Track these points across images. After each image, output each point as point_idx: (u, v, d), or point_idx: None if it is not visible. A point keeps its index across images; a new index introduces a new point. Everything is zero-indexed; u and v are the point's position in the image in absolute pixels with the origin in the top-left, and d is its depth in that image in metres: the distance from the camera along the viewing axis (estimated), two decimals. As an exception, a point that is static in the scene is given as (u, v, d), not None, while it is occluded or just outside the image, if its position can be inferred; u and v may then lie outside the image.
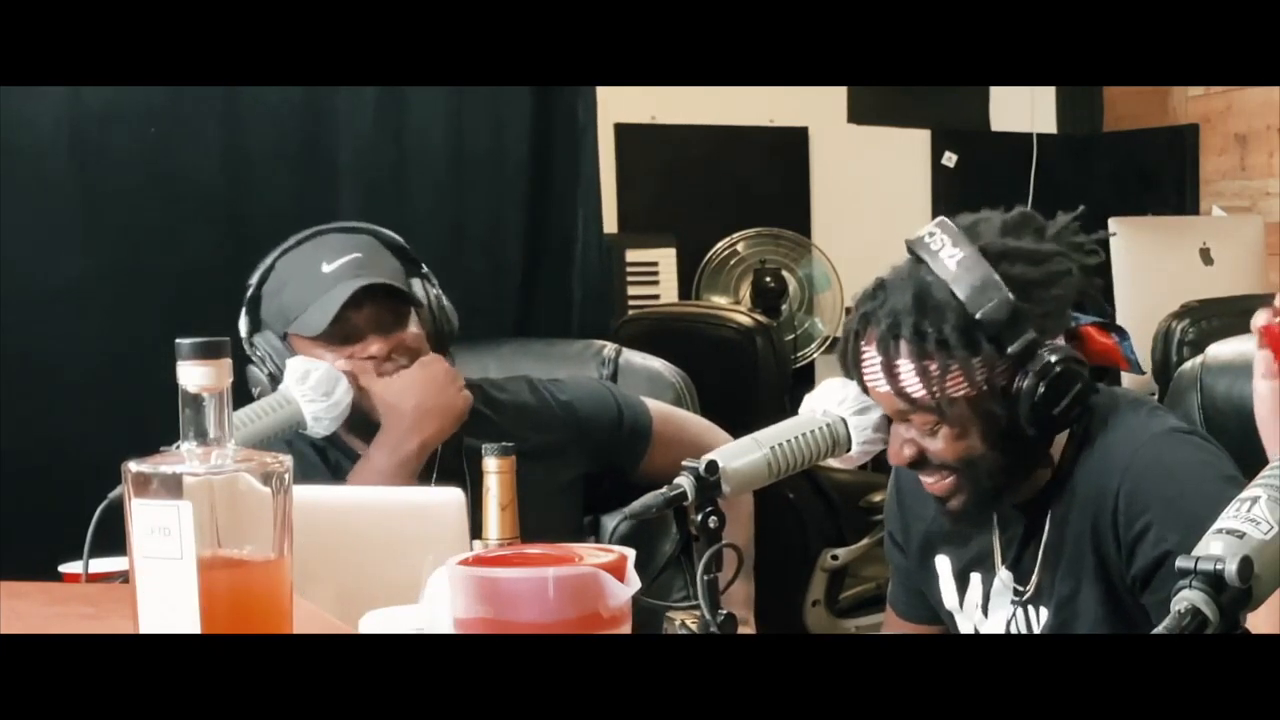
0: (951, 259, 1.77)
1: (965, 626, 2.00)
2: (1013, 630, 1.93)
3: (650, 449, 2.38)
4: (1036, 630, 1.89)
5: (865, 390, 1.84)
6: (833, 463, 1.76)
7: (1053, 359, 1.76)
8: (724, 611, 1.49)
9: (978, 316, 1.75)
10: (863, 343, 1.83)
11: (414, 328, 2.27)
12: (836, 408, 1.72)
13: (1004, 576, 1.93)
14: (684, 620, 1.49)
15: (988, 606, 1.96)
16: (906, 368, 1.77)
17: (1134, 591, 1.81)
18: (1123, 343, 1.87)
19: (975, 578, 1.97)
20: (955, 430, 1.80)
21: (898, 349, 1.78)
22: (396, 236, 2.36)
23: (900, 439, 1.84)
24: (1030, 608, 1.91)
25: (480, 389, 2.36)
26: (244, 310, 2.30)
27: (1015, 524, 1.92)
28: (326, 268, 2.23)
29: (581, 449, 2.36)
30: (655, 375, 2.66)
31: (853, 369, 1.84)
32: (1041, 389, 1.76)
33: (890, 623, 2.18)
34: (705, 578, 1.49)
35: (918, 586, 2.08)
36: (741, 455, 1.63)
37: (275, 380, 2.22)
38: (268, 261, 2.30)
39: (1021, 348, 1.76)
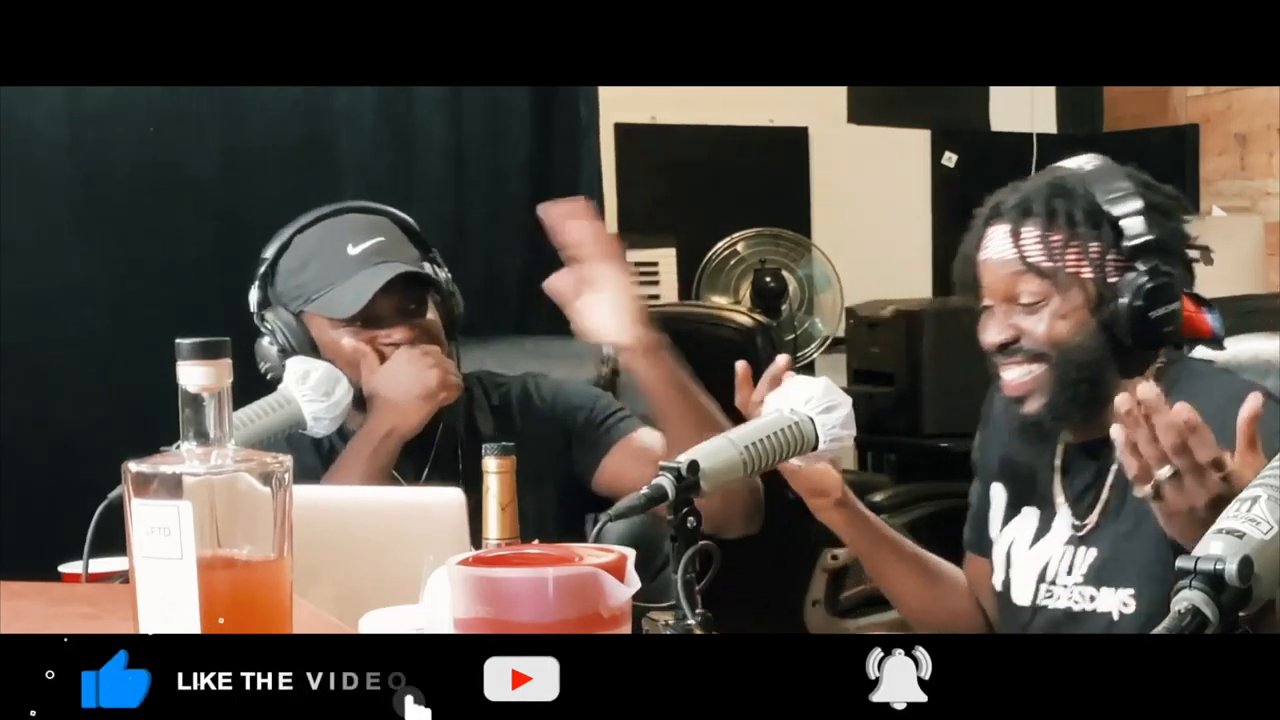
0: (1089, 162, 1.98)
1: (999, 557, 2.05)
2: (1050, 570, 1.97)
3: (613, 452, 2.31)
4: (1079, 571, 1.94)
5: (974, 284, 1.95)
6: (795, 462, 1.76)
7: (1160, 266, 1.89)
8: (701, 611, 1.50)
9: (1104, 205, 1.91)
10: (988, 228, 1.96)
11: (432, 314, 2.29)
12: (803, 407, 1.73)
13: (1064, 513, 1.98)
14: (665, 620, 1.49)
15: (1037, 541, 2.01)
16: (1031, 235, 1.91)
17: None
18: (1211, 314, 1.97)
19: (1029, 511, 2.03)
20: (1060, 308, 1.90)
21: (1026, 220, 1.92)
22: (410, 220, 2.36)
23: (999, 321, 1.94)
24: (1082, 547, 1.96)
25: (478, 380, 2.37)
26: (256, 283, 2.30)
27: (1080, 463, 1.98)
28: (352, 250, 2.25)
29: (561, 441, 2.34)
30: None
31: (971, 256, 1.96)
32: (1147, 288, 1.88)
33: (970, 569, 2.18)
34: (683, 578, 1.49)
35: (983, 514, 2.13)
36: (718, 454, 1.64)
37: (286, 354, 2.23)
38: (285, 235, 2.30)
39: (1138, 244, 1.89)
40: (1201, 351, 2.04)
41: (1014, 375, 1.94)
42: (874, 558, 2.10)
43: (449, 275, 2.34)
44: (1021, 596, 2.01)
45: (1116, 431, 1.63)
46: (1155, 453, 1.60)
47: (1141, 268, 1.89)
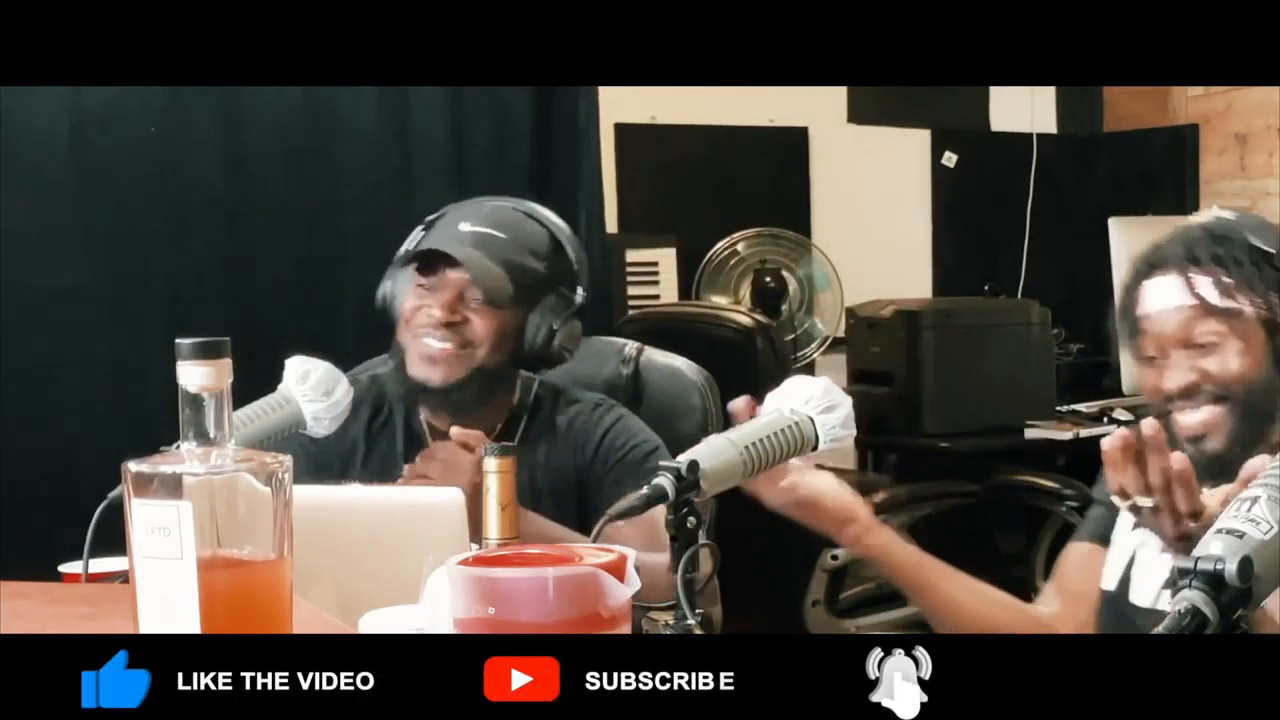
0: (1229, 214, 2.00)
1: (1119, 556, 2.01)
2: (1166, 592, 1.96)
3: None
4: None
5: (1140, 335, 1.94)
6: (795, 462, 1.76)
7: None
8: (701, 612, 1.50)
9: (1268, 248, 1.92)
10: (1148, 280, 1.95)
11: (482, 320, 2.27)
12: (803, 406, 1.72)
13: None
14: (665, 620, 1.49)
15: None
16: (1204, 280, 1.92)
17: None
18: None
19: None
20: (1240, 346, 1.91)
21: (1195, 266, 1.92)
22: (567, 243, 2.35)
23: (1180, 366, 1.93)
24: None
25: (554, 393, 2.39)
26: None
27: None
28: (462, 227, 2.29)
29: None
30: (676, 373, 2.62)
31: (1132, 309, 1.96)
32: None
33: (1079, 557, 2.12)
34: (683, 578, 1.49)
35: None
36: (718, 455, 1.63)
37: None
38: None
39: None
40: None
41: (1196, 418, 1.93)
42: (918, 580, 2.02)
43: (562, 322, 2.31)
44: (1143, 598, 1.98)
45: (1107, 445, 1.67)
46: (1139, 485, 1.66)
47: None
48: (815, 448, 1.72)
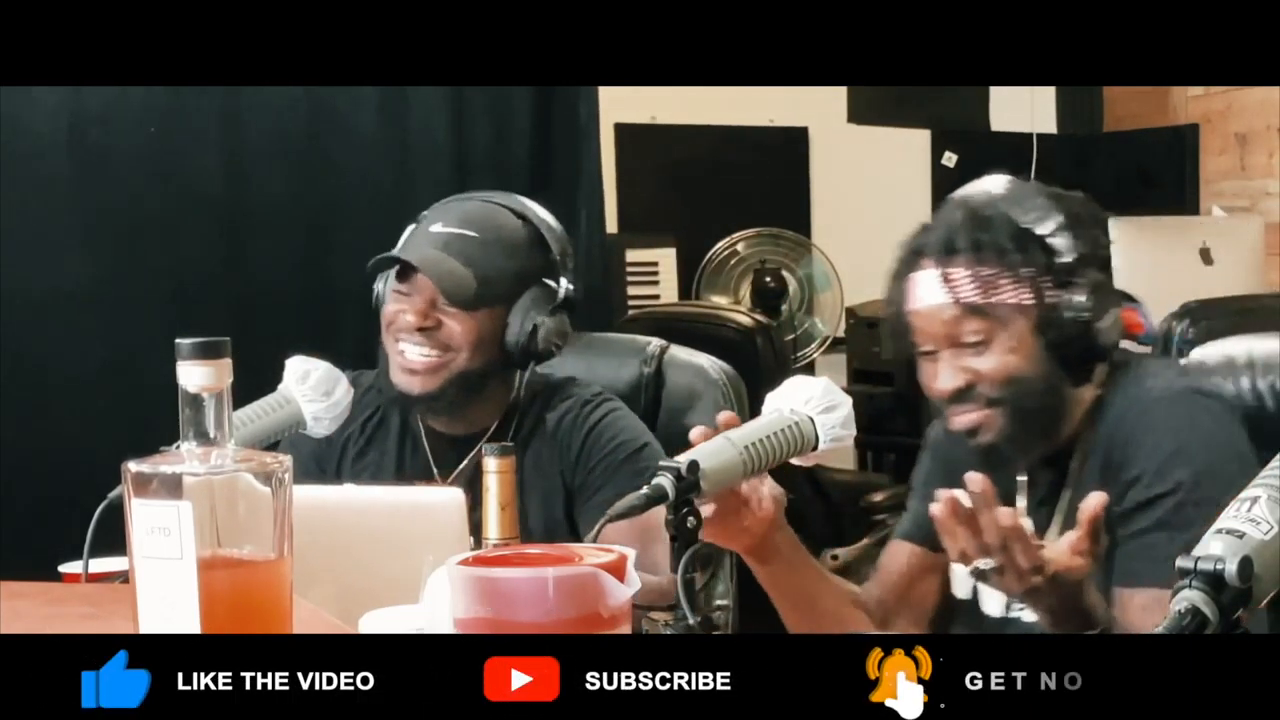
0: (996, 186, 1.92)
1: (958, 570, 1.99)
2: None
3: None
4: None
5: (905, 333, 1.89)
6: (796, 462, 1.76)
7: (1099, 277, 1.86)
8: (702, 611, 1.50)
9: (1027, 227, 1.85)
10: (912, 273, 1.90)
11: (457, 323, 2.24)
12: (803, 407, 1.72)
13: (1025, 525, 1.94)
14: (665, 620, 1.49)
15: None
16: (962, 275, 1.86)
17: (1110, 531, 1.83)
18: (1140, 311, 1.98)
19: None
20: (1007, 343, 1.86)
21: (954, 260, 1.87)
22: (550, 234, 2.31)
23: (950, 366, 1.88)
24: None
25: (553, 388, 2.36)
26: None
27: (1040, 474, 1.95)
28: (433, 229, 2.27)
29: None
30: (699, 371, 2.57)
31: (900, 303, 1.91)
32: (1090, 301, 1.84)
33: (901, 555, 2.11)
34: (683, 578, 1.49)
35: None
36: (718, 454, 1.63)
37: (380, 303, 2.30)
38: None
39: (1073, 259, 1.85)
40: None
41: (969, 419, 1.89)
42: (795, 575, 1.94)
43: (547, 316, 2.27)
44: (993, 608, 1.97)
45: (938, 512, 1.62)
46: (975, 546, 1.61)
47: (1079, 282, 1.85)
48: (815, 448, 1.72)
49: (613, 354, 2.60)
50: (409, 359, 2.25)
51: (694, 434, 1.67)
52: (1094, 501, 1.61)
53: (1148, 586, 1.78)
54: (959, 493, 1.64)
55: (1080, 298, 1.84)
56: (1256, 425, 1.93)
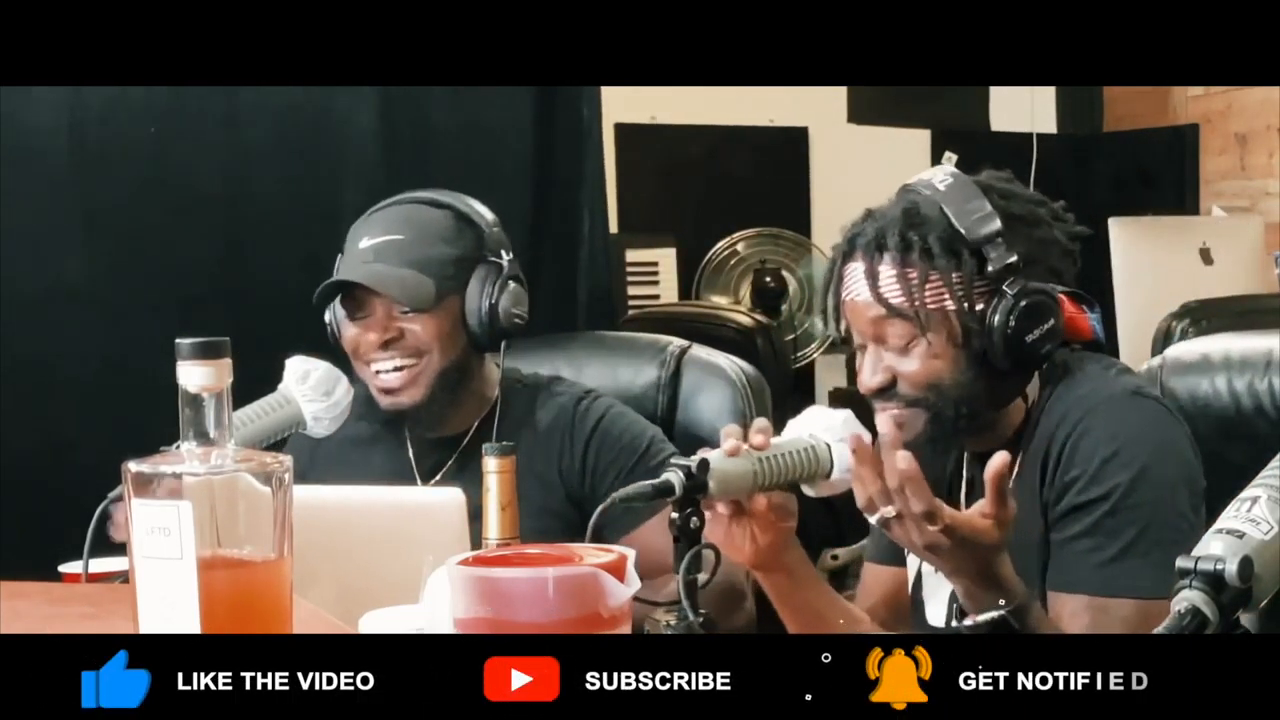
0: (941, 182, 1.86)
1: (912, 571, 1.99)
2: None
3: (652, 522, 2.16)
4: None
5: (839, 320, 1.88)
6: (808, 490, 1.75)
7: (1030, 285, 1.81)
8: (704, 611, 1.50)
9: (961, 230, 1.81)
10: (846, 264, 1.88)
11: (418, 325, 2.23)
12: (823, 434, 1.72)
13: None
14: (666, 620, 1.49)
15: None
16: (889, 274, 1.83)
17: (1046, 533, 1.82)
18: (1091, 314, 1.92)
19: None
20: (930, 348, 1.82)
21: (882, 257, 1.83)
22: (475, 214, 2.30)
23: (873, 364, 1.86)
24: None
25: (542, 386, 2.35)
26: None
27: (976, 473, 1.91)
28: (363, 244, 2.25)
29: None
30: (718, 371, 2.55)
31: (832, 293, 1.89)
32: (1017, 312, 1.80)
33: (874, 576, 2.10)
34: (685, 578, 1.50)
35: None
36: (731, 460, 1.63)
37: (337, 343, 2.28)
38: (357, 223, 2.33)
39: (1001, 267, 1.81)
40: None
41: (889, 411, 1.86)
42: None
43: (499, 287, 2.25)
44: (935, 618, 1.94)
45: (849, 453, 1.62)
46: (879, 489, 1.60)
47: (1009, 291, 1.80)
48: (829, 475, 1.71)
49: (631, 355, 2.59)
50: (385, 380, 2.24)
51: (726, 430, 1.67)
52: (997, 462, 1.57)
53: (1077, 593, 1.78)
54: (867, 433, 1.65)
55: (1009, 306, 1.80)
56: (1231, 424, 1.92)
